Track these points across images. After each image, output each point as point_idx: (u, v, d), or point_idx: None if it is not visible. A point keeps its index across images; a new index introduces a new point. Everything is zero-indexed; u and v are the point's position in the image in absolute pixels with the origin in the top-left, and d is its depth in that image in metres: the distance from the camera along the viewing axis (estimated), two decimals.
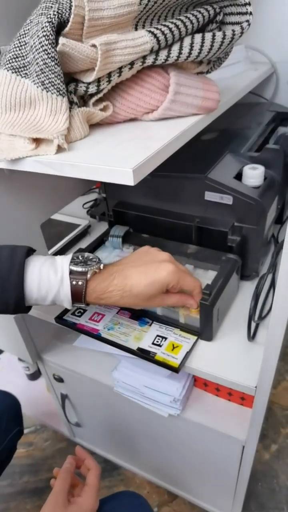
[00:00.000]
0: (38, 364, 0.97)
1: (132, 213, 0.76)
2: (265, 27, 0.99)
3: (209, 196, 0.65)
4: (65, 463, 0.65)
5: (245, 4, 0.50)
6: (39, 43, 0.44)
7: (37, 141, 0.49)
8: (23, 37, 0.48)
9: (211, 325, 0.59)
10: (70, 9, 0.43)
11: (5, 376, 1.35)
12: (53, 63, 0.45)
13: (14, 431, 0.85)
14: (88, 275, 0.52)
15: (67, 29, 0.44)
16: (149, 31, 0.47)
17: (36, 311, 0.73)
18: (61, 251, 0.89)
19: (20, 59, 0.49)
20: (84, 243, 0.90)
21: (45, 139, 0.49)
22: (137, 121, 0.56)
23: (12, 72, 0.49)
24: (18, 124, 0.50)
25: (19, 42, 0.48)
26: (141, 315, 0.66)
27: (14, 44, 0.49)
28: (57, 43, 0.44)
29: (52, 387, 1.01)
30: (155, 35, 0.47)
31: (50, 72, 0.46)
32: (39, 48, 0.44)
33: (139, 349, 0.60)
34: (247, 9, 0.50)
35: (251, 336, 0.60)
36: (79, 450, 0.69)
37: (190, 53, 0.50)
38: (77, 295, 0.52)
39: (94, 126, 0.55)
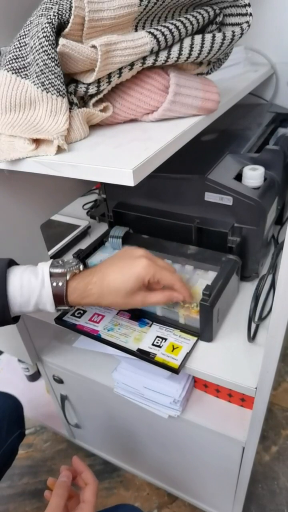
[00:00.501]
0: (37, 365, 0.96)
1: (132, 214, 0.76)
2: (265, 28, 0.99)
3: (209, 197, 0.65)
4: (61, 476, 0.62)
5: (245, 5, 0.50)
6: (39, 44, 0.44)
7: (37, 141, 0.49)
8: (23, 38, 0.48)
9: (211, 326, 0.59)
10: (70, 10, 0.43)
11: (4, 377, 1.34)
12: (53, 64, 0.45)
13: (15, 434, 0.85)
14: (68, 276, 0.54)
15: (67, 30, 0.44)
16: (149, 32, 0.47)
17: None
18: (61, 252, 0.89)
19: (20, 60, 0.49)
20: (84, 244, 0.89)
21: (45, 140, 0.49)
22: (137, 122, 0.56)
23: (12, 73, 0.49)
24: (18, 125, 0.50)
25: (19, 43, 0.48)
26: (141, 316, 0.66)
27: (14, 45, 0.49)
28: (57, 44, 0.44)
29: (52, 388, 1.00)
30: (155, 36, 0.47)
31: (50, 73, 0.46)
32: (39, 49, 0.44)
33: (139, 350, 0.60)
34: (247, 10, 0.50)
35: (251, 337, 0.60)
36: (76, 461, 0.65)
37: (190, 54, 0.50)
38: (59, 295, 0.54)
39: (94, 127, 0.55)
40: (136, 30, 0.50)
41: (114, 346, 0.62)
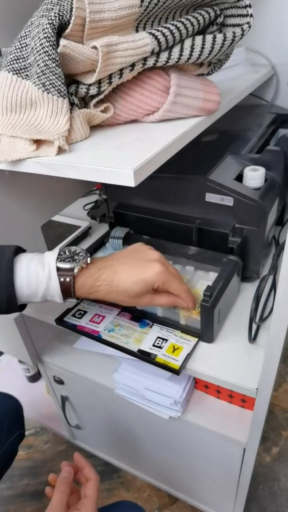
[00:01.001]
0: (38, 366, 0.96)
1: (132, 215, 0.76)
2: (266, 29, 0.99)
3: (210, 197, 0.65)
4: (63, 472, 0.62)
5: (246, 6, 0.50)
6: (40, 45, 0.44)
7: (38, 142, 0.49)
8: (24, 39, 0.48)
9: (212, 326, 0.59)
10: (71, 10, 0.43)
11: (5, 378, 1.34)
12: (54, 65, 0.45)
13: (15, 435, 0.85)
14: (75, 271, 0.52)
15: (68, 30, 0.44)
16: (150, 33, 0.47)
17: (36, 312, 0.73)
18: None
19: (21, 60, 0.49)
20: (85, 245, 0.89)
21: (46, 141, 0.49)
22: (138, 123, 0.56)
23: (13, 74, 0.49)
24: (19, 126, 0.50)
25: (20, 44, 0.48)
26: (141, 317, 0.66)
27: (15, 46, 0.49)
28: (58, 44, 0.44)
29: (52, 389, 1.00)
30: (156, 37, 0.47)
31: (51, 74, 0.46)
32: (40, 50, 0.44)
33: (140, 351, 0.60)
34: (247, 11, 0.50)
35: (252, 338, 0.60)
36: (77, 457, 0.66)
37: (191, 55, 0.50)
38: (66, 290, 0.53)
39: (94, 127, 0.55)
40: (137, 31, 0.50)
41: (114, 347, 0.62)
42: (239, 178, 0.67)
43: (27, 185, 0.70)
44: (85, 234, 0.94)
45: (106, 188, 0.80)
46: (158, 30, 0.47)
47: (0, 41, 0.59)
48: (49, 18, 0.44)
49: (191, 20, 0.49)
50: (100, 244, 0.77)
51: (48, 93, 0.48)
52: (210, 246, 0.69)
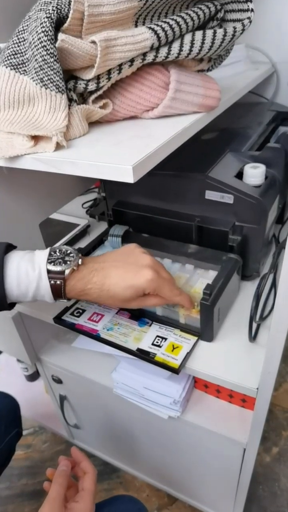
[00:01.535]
0: (36, 365, 0.96)
1: (132, 213, 0.76)
2: (266, 26, 0.98)
3: (210, 195, 0.65)
4: (60, 465, 0.63)
5: (247, 1, 0.49)
6: (38, 39, 0.43)
7: (36, 138, 0.49)
8: (21, 33, 0.47)
9: (211, 325, 0.58)
10: (69, 4, 0.42)
11: (3, 377, 1.34)
12: (52, 60, 0.44)
13: (12, 433, 0.85)
14: (66, 273, 0.52)
15: (66, 25, 0.43)
16: (150, 28, 0.46)
17: (34, 311, 0.73)
18: None
19: (19, 55, 0.48)
20: (84, 243, 0.89)
21: (44, 137, 0.48)
22: (137, 119, 0.55)
23: (11, 69, 0.49)
24: (17, 122, 0.50)
25: (18, 39, 0.48)
26: (140, 316, 0.65)
27: (13, 41, 0.48)
28: (56, 39, 0.44)
29: (51, 388, 1.00)
30: (155, 32, 0.46)
31: (49, 69, 0.45)
32: (38, 45, 0.44)
33: (139, 349, 0.59)
34: (248, 6, 0.49)
35: (252, 337, 0.59)
36: (75, 451, 0.67)
37: (190, 50, 0.49)
38: (57, 292, 0.52)
39: (93, 124, 0.54)
40: (136, 25, 0.49)
41: (113, 345, 0.61)
42: (239, 175, 0.66)
43: (25, 182, 0.69)
44: (84, 232, 0.94)
45: (105, 185, 0.79)
46: (157, 25, 0.46)
47: None
48: (47, 12, 0.43)
49: (191, 15, 0.48)
50: (99, 242, 0.77)
51: (46, 88, 0.47)
52: (210, 244, 0.68)
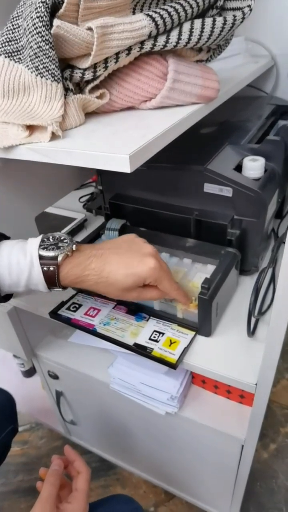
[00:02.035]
0: (32, 361, 0.95)
1: (129, 206, 0.75)
2: (266, 19, 0.97)
3: (209, 188, 0.64)
4: (53, 464, 0.61)
5: None
6: (33, 25, 0.42)
7: (31, 128, 0.48)
8: (16, 20, 0.46)
9: (209, 320, 0.58)
10: None
11: None
12: (47, 47, 0.43)
13: (8, 429, 0.84)
14: (59, 259, 0.50)
15: (61, 10, 0.42)
16: (148, 15, 0.45)
17: (30, 305, 0.72)
18: None
19: (13, 43, 0.47)
20: (80, 237, 0.88)
21: (39, 127, 0.47)
22: (134, 110, 0.54)
23: (5, 57, 0.48)
24: (11, 111, 0.49)
25: (12, 25, 0.46)
26: (138, 310, 0.64)
27: (7, 27, 0.47)
28: (51, 25, 0.42)
29: (47, 384, 0.99)
30: (153, 19, 0.45)
31: (44, 57, 0.44)
32: (33, 31, 0.43)
33: (136, 344, 0.59)
34: None
35: (251, 332, 0.59)
36: (68, 450, 0.65)
37: (189, 39, 0.48)
38: (51, 280, 0.50)
39: (89, 114, 0.53)
40: (134, 13, 0.48)
41: (110, 340, 0.60)
42: (239, 168, 0.65)
43: (21, 174, 0.68)
44: (81, 226, 0.93)
45: (102, 178, 0.78)
46: (156, 12, 0.45)
47: None
48: None
49: (190, 3, 0.47)
50: (95, 236, 0.76)
51: (41, 77, 0.46)
52: (208, 238, 0.67)
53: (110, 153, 0.40)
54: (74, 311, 0.65)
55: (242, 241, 0.66)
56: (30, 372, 1.28)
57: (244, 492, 0.83)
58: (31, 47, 0.44)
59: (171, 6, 0.46)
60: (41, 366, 0.94)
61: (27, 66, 0.47)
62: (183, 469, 0.91)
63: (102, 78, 0.50)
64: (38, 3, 0.42)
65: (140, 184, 0.72)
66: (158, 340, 0.59)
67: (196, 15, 0.49)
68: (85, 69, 0.48)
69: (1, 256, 0.49)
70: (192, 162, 0.65)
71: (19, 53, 0.47)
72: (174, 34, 0.48)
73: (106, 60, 0.47)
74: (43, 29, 0.42)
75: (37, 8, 0.42)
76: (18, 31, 0.46)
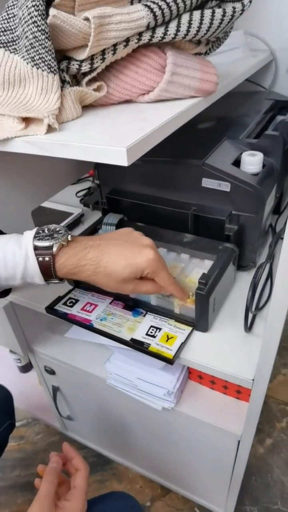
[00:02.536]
0: (29, 356, 0.95)
1: (126, 201, 0.74)
2: (266, 13, 0.96)
3: (206, 183, 0.63)
4: (51, 462, 0.61)
5: None
6: (28, 14, 0.41)
7: (27, 121, 0.47)
8: (11, 9, 0.45)
9: (206, 315, 0.57)
10: None
11: None
12: (43, 37, 0.43)
13: (5, 425, 0.84)
14: (54, 249, 0.49)
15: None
16: (146, 6, 0.44)
17: (26, 300, 0.71)
18: None
19: (8, 32, 0.46)
20: (77, 232, 0.87)
21: (35, 119, 0.47)
22: (132, 103, 0.54)
23: (0, 47, 0.47)
24: (7, 103, 0.48)
25: (7, 14, 0.45)
26: (135, 306, 0.64)
27: (2, 16, 0.46)
28: (47, 15, 0.42)
29: (44, 379, 0.99)
30: (151, 10, 0.44)
31: (40, 47, 0.44)
32: (28, 20, 0.42)
33: (133, 340, 0.58)
34: None
35: (248, 327, 0.58)
36: (66, 447, 0.65)
37: (188, 31, 0.47)
38: (46, 271, 0.50)
39: (87, 107, 0.53)
40: (132, 3, 0.47)
41: (106, 335, 0.60)
42: (237, 163, 0.65)
43: (17, 168, 0.68)
44: (78, 221, 0.92)
45: (99, 173, 0.77)
46: (154, 3, 0.45)
47: None
48: None
49: None
50: (92, 231, 0.75)
51: (37, 68, 0.46)
52: (206, 234, 0.67)
53: (107, 146, 0.39)
54: (71, 306, 0.65)
55: (240, 237, 0.65)
56: (26, 368, 1.28)
57: (240, 486, 0.83)
58: (26, 37, 0.44)
59: None
60: (38, 361, 0.93)
61: (23, 57, 0.46)
62: (179, 464, 0.91)
63: (99, 70, 0.49)
64: None
65: (137, 179, 0.72)
66: (155, 335, 0.58)
67: (195, 6, 0.48)
68: (82, 61, 0.47)
69: None
70: (190, 156, 0.65)
71: (14, 43, 0.47)
72: (172, 26, 0.47)
73: (103, 52, 0.47)
74: (39, 18, 0.41)
75: None
76: (13, 20, 0.45)
